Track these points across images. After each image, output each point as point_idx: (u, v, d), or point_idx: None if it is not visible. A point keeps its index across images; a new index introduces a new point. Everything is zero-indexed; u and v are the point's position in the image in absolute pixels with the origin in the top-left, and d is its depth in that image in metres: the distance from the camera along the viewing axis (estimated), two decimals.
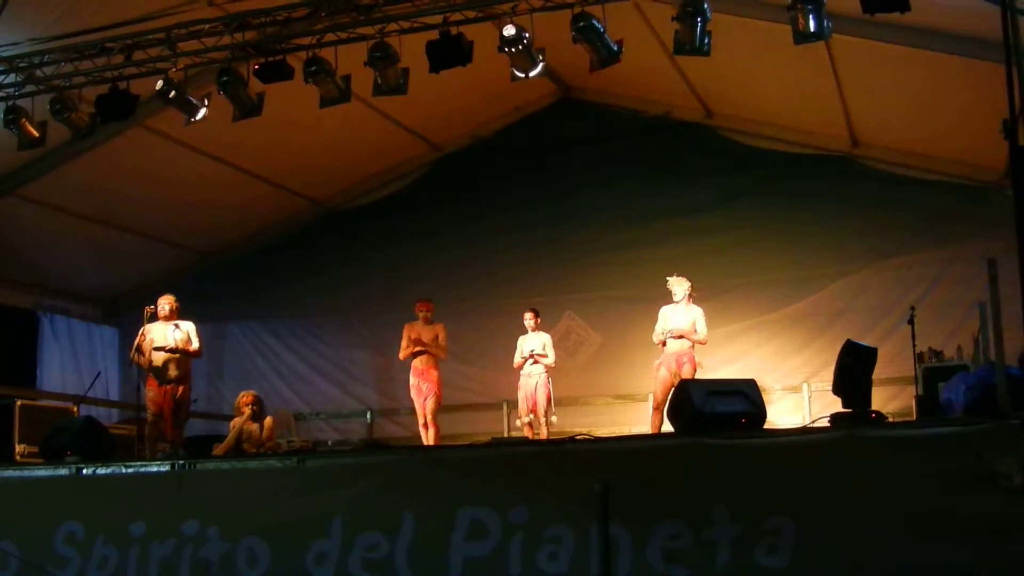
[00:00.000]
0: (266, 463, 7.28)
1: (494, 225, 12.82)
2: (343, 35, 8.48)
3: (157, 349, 9.81)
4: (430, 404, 10.65)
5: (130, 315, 12.36)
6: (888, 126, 11.31)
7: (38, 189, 11.40)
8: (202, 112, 9.01)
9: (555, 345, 10.97)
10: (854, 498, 5.58)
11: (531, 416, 10.54)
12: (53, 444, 8.30)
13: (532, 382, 10.60)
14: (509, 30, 7.92)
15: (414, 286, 11.83)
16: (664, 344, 10.00)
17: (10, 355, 12.54)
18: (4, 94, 9.18)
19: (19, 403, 10.53)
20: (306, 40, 8.59)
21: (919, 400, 8.90)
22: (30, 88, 9.20)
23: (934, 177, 11.29)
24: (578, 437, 7.07)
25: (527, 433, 10.43)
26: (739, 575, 5.64)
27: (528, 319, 10.75)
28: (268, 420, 9.80)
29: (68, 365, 13.33)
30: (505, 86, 8.81)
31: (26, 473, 7.94)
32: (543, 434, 10.41)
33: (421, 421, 10.73)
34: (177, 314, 10.04)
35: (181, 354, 9.91)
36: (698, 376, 9.83)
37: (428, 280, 12.29)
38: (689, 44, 7.79)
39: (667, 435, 7.35)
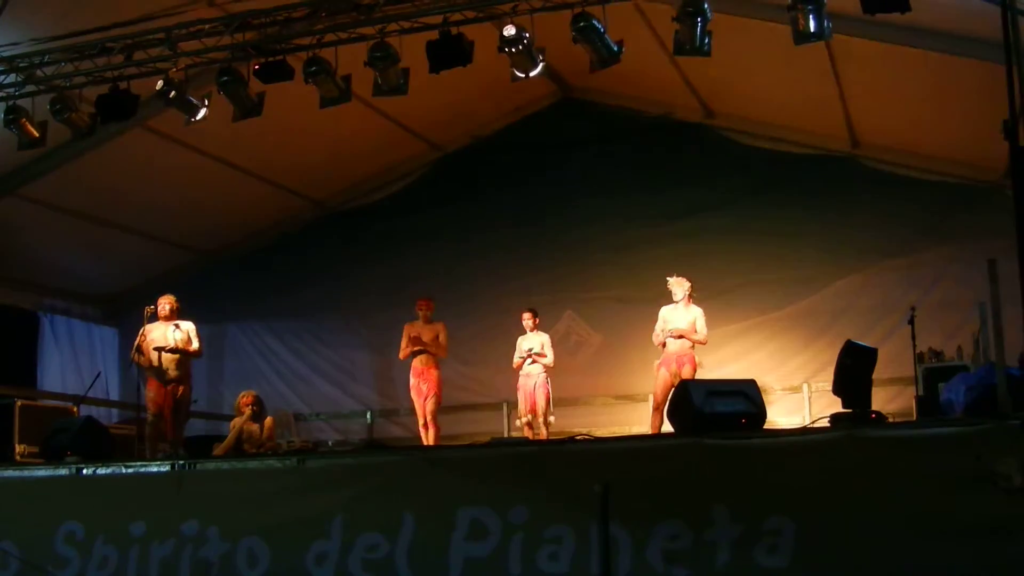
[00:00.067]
0: (266, 463, 7.28)
1: (494, 225, 12.82)
2: (343, 35, 8.47)
3: (157, 349, 9.82)
4: (430, 404, 10.66)
5: (130, 315, 12.35)
6: (888, 126, 11.31)
7: (38, 189, 11.40)
8: (202, 112, 9.01)
9: (555, 345, 10.97)
10: (854, 498, 5.59)
11: (530, 416, 10.55)
12: (53, 444, 8.30)
13: (531, 382, 10.61)
14: (509, 30, 7.92)
15: (414, 286, 11.82)
16: (664, 344, 10.00)
17: (10, 355, 12.54)
18: (4, 94, 9.18)
19: (19, 403, 10.53)
20: (306, 40, 8.58)
21: (919, 400, 8.91)
22: (30, 88, 9.19)
23: (934, 177, 11.30)
24: (578, 437, 7.08)
25: (527, 433, 10.43)
26: (739, 575, 5.64)
27: (526, 319, 10.75)
28: (268, 420, 9.79)
29: (68, 365, 13.33)
30: (505, 86, 8.81)
31: (26, 473, 7.95)
32: (542, 434, 10.41)
33: (421, 421, 10.73)
34: (177, 314, 10.05)
35: (181, 354, 9.92)
36: (698, 376, 9.84)
37: (428, 280, 12.28)
38: (689, 44, 7.79)
39: (667, 435, 7.35)
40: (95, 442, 8.26)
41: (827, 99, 10.76)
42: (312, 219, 13.95)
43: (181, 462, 7.42)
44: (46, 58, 9.01)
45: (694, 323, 9.97)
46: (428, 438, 10.68)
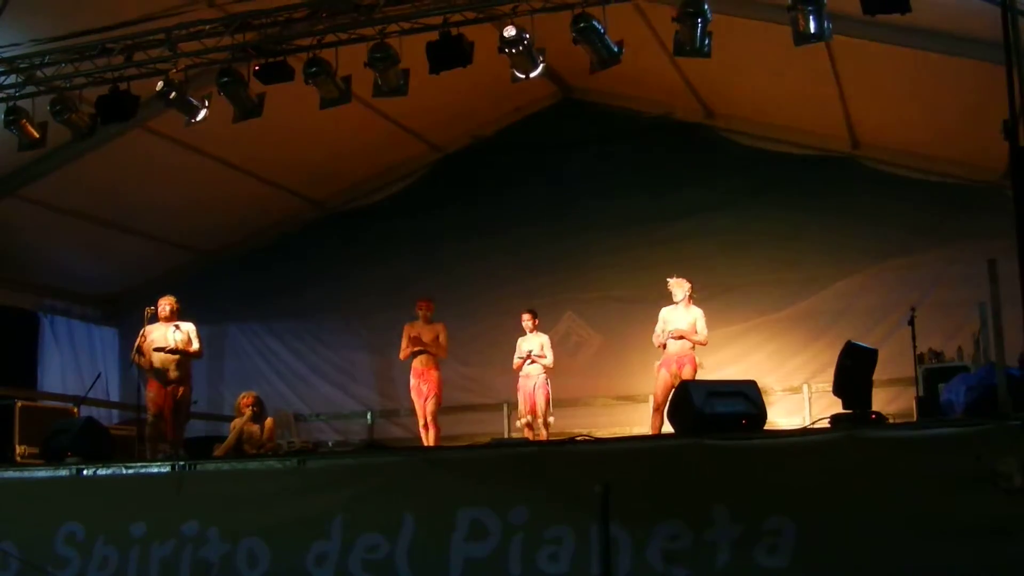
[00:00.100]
0: (266, 464, 7.28)
1: (494, 226, 12.81)
2: (343, 36, 8.48)
3: (157, 350, 9.82)
4: (430, 405, 10.65)
5: (130, 316, 12.35)
6: (888, 127, 11.31)
7: (39, 190, 11.40)
8: (202, 113, 9.01)
9: (555, 346, 10.97)
10: (854, 499, 5.59)
11: (530, 417, 10.55)
12: (53, 445, 8.31)
13: (530, 383, 10.61)
14: (509, 31, 7.92)
15: (414, 287, 11.82)
16: (664, 345, 10.01)
17: (11, 356, 12.54)
18: (5, 95, 9.18)
19: (19, 404, 10.53)
20: (306, 41, 8.58)
21: (919, 401, 8.90)
22: (31, 89, 9.19)
23: (934, 178, 11.30)
24: (578, 438, 7.08)
25: (527, 434, 10.44)
26: (739, 575, 5.64)
27: (526, 320, 10.76)
28: (268, 421, 9.79)
29: (68, 366, 13.33)
30: (505, 87, 8.81)
31: (26, 474, 7.96)
32: (542, 435, 10.41)
33: (421, 422, 10.73)
34: (177, 315, 10.04)
35: (181, 355, 9.92)
36: (698, 377, 9.84)
37: (428, 280, 12.28)
38: (689, 45, 7.79)
39: (667, 436, 7.36)
40: (95, 443, 8.27)
41: (827, 100, 10.76)
42: (312, 219, 13.95)
43: (181, 463, 7.42)
44: (46, 59, 9.01)
45: (694, 324, 9.97)
46: (428, 439, 10.68)
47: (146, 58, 8.84)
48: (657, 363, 10.09)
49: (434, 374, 10.70)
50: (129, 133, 10.46)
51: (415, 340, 10.69)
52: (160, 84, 8.76)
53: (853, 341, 7.49)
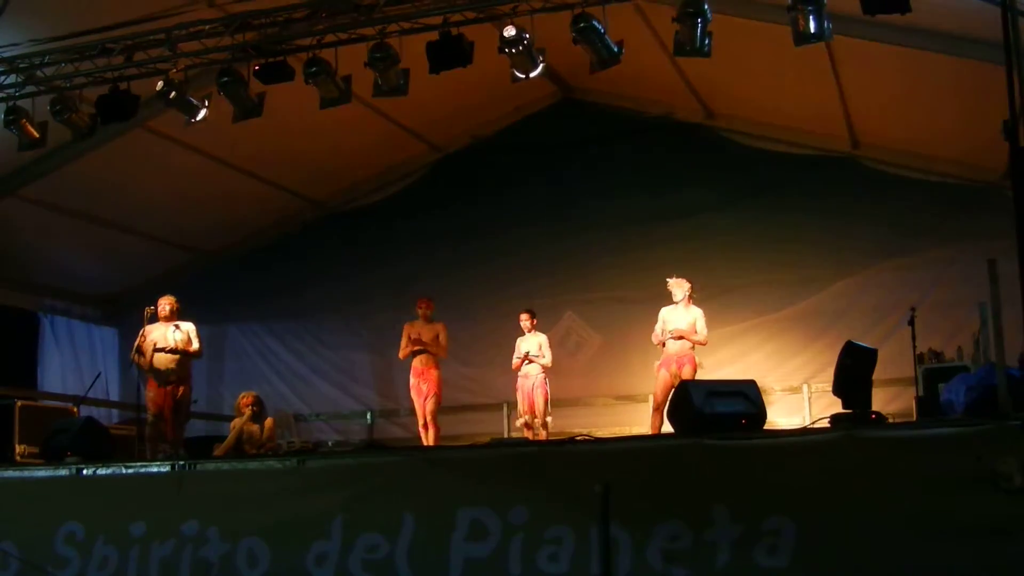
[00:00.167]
0: (266, 464, 7.28)
1: (494, 226, 12.81)
2: (343, 36, 8.48)
3: (157, 350, 9.82)
4: (430, 404, 10.65)
5: (130, 316, 12.33)
6: (889, 127, 11.31)
7: (39, 190, 11.40)
8: (202, 113, 9.01)
9: (555, 346, 10.97)
10: (854, 499, 5.59)
11: (528, 416, 10.56)
12: (53, 445, 8.31)
13: (529, 383, 10.63)
14: (509, 31, 7.92)
15: (414, 287, 11.82)
16: (664, 345, 10.01)
17: (11, 355, 12.54)
18: (4, 95, 9.18)
19: (19, 403, 10.53)
20: (306, 41, 8.58)
21: (919, 401, 8.90)
22: (31, 89, 9.19)
23: (934, 178, 11.30)
24: (578, 438, 7.08)
25: (526, 434, 10.44)
26: (739, 575, 5.64)
27: (524, 320, 10.77)
28: (268, 421, 9.80)
29: (68, 366, 13.33)
30: (505, 86, 8.80)
31: (26, 474, 7.96)
32: (541, 435, 10.41)
33: (421, 422, 10.73)
34: (177, 315, 10.04)
35: (181, 355, 9.92)
36: (698, 377, 9.84)
37: (428, 280, 12.28)
38: (689, 45, 7.79)
39: (667, 436, 7.36)
40: (95, 443, 8.28)
41: (827, 100, 10.76)
42: (312, 219, 13.95)
43: (181, 463, 7.42)
44: (46, 59, 9.01)
45: (694, 324, 9.97)
46: (428, 438, 10.68)
47: (146, 58, 8.84)
48: (657, 363, 10.09)
49: (434, 373, 10.70)
50: (129, 133, 10.47)
51: (415, 339, 10.69)
52: (160, 84, 8.76)
53: (853, 341, 7.49)
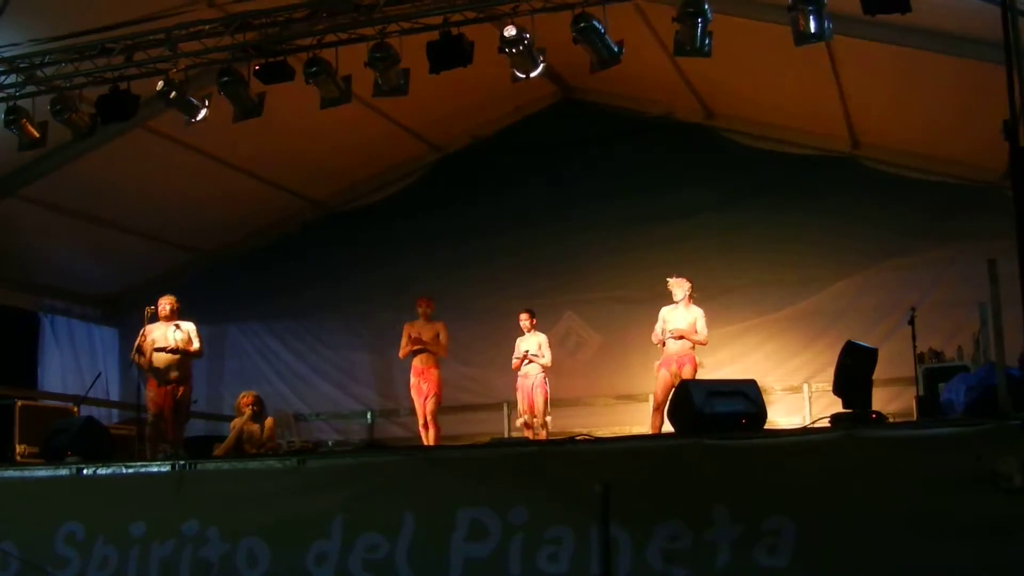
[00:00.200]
0: (266, 463, 7.28)
1: (494, 225, 12.81)
2: (343, 36, 8.47)
3: (158, 350, 9.82)
4: (430, 404, 10.65)
5: (130, 316, 12.33)
6: (888, 127, 11.31)
7: (39, 190, 11.40)
8: (202, 113, 9.00)
9: (555, 346, 10.97)
10: (854, 499, 5.59)
11: (527, 416, 10.56)
12: (53, 444, 8.31)
13: (529, 383, 10.63)
14: (510, 31, 7.92)
15: (414, 286, 11.82)
16: (664, 345, 10.01)
17: (11, 355, 12.54)
18: (5, 95, 9.18)
19: (19, 403, 10.53)
20: (306, 41, 8.58)
21: (919, 401, 8.91)
22: (31, 89, 9.19)
23: (934, 178, 11.30)
24: (578, 437, 7.08)
25: (526, 434, 10.44)
26: (739, 575, 5.64)
27: (523, 320, 10.78)
28: (268, 421, 9.80)
29: (69, 365, 13.33)
30: (505, 86, 8.80)
31: (26, 473, 7.95)
32: (541, 435, 10.42)
33: (421, 421, 10.73)
34: (177, 314, 10.05)
35: (181, 354, 9.92)
36: (698, 376, 9.84)
37: (428, 280, 12.27)
38: (690, 45, 7.79)
39: (667, 435, 7.36)
40: (95, 442, 8.28)
41: (827, 100, 10.76)
42: (312, 219, 13.95)
43: (181, 462, 7.42)
44: (46, 59, 9.01)
45: (694, 324, 9.97)
46: (428, 438, 10.68)
47: (146, 58, 8.84)
48: (657, 363, 10.09)
49: (434, 373, 10.70)
50: (129, 133, 10.47)
51: (415, 338, 10.69)
52: (160, 84, 8.76)
53: (853, 341, 7.49)
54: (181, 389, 9.94)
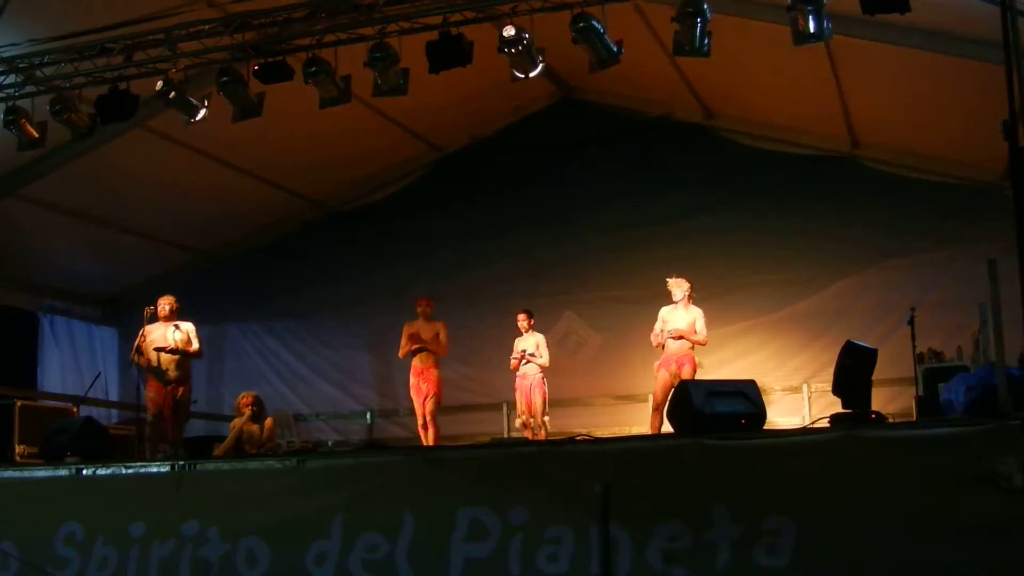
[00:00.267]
0: (266, 464, 7.28)
1: (494, 225, 12.81)
2: (343, 36, 8.47)
3: (157, 350, 9.82)
4: (430, 404, 10.65)
5: (130, 316, 12.36)
6: (888, 127, 11.31)
7: (38, 190, 11.40)
8: (202, 113, 9.00)
9: (555, 346, 10.98)
10: (854, 499, 5.59)
11: (526, 416, 10.57)
12: (53, 445, 8.30)
13: (527, 383, 10.65)
14: (509, 31, 7.91)
15: (414, 287, 11.82)
16: (663, 345, 10.00)
17: (10, 355, 12.54)
18: (4, 95, 9.17)
19: (19, 403, 10.52)
20: (306, 41, 8.58)
21: (919, 401, 8.91)
22: (30, 89, 9.19)
23: (934, 178, 11.29)
24: (578, 438, 7.07)
25: (525, 434, 10.45)
26: (739, 575, 5.64)
27: (521, 320, 10.80)
28: (268, 421, 9.81)
29: (68, 366, 13.33)
30: (505, 86, 8.81)
31: (26, 474, 7.95)
32: (540, 435, 10.42)
33: (420, 421, 10.73)
34: (177, 315, 10.05)
35: (181, 355, 9.92)
36: (698, 377, 9.84)
37: (428, 280, 12.27)
38: (689, 45, 7.78)
39: (667, 436, 7.35)
40: (95, 443, 8.27)
41: (827, 100, 10.76)
42: (312, 219, 13.95)
43: (181, 463, 7.42)
44: (46, 59, 9.00)
45: (694, 324, 9.97)
46: (428, 438, 10.67)
47: (146, 58, 8.84)
48: (656, 363, 10.08)
49: (434, 373, 10.70)
50: (129, 133, 10.46)
51: (414, 337, 10.69)
52: (160, 84, 8.75)
53: (853, 341, 7.49)
54: (181, 389, 9.94)
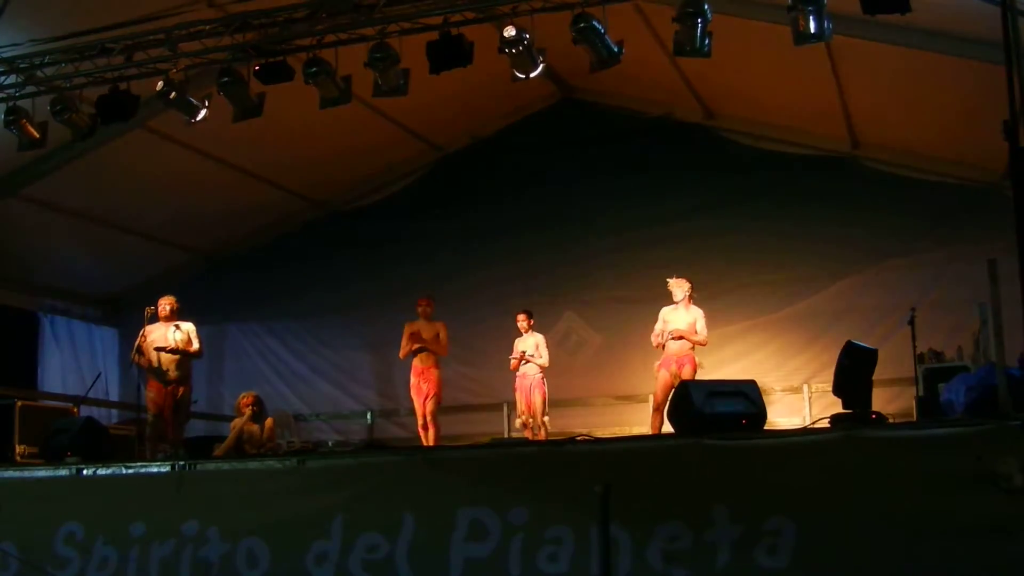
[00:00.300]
0: (266, 464, 7.28)
1: (494, 226, 12.82)
2: (343, 36, 8.48)
3: (158, 350, 9.82)
4: (430, 404, 10.65)
5: (130, 316, 12.36)
6: (888, 127, 11.31)
7: (39, 190, 11.41)
8: (202, 113, 9.00)
9: (555, 346, 10.98)
10: (854, 499, 5.59)
11: (525, 416, 10.57)
12: (53, 445, 8.31)
13: (527, 383, 10.65)
14: (509, 31, 7.91)
15: (414, 287, 11.81)
16: (663, 345, 10.01)
17: (11, 356, 12.55)
18: (5, 95, 9.18)
19: (19, 404, 10.50)
20: (306, 41, 8.59)
21: (920, 401, 8.90)
22: (31, 89, 9.19)
23: (934, 178, 11.30)
24: (578, 438, 7.08)
25: (526, 434, 10.45)
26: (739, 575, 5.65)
27: (521, 321, 10.81)
28: (268, 421, 9.81)
29: (69, 366, 13.34)
30: (505, 86, 8.81)
31: (26, 474, 7.95)
32: (540, 435, 10.42)
33: (420, 422, 10.73)
34: (177, 315, 10.05)
35: (181, 355, 9.92)
36: (698, 377, 9.84)
37: (428, 280, 12.27)
38: (689, 45, 7.78)
39: (667, 436, 7.36)
40: (95, 443, 8.28)
41: (827, 100, 10.76)
42: (312, 219, 13.95)
43: (181, 463, 7.42)
44: (46, 59, 9.01)
45: (694, 324, 9.97)
46: (428, 438, 10.67)
47: (146, 58, 8.84)
48: (657, 363, 10.08)
49: (434, 373, 10.70)
50: (129, 133, 10.46)
51: (415, 337, 10.69)
52: (160, 84, 8.76)
53: (853, 341, 7.49)
54: (181, 389, 9.94)
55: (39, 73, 9.10)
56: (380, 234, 13.41)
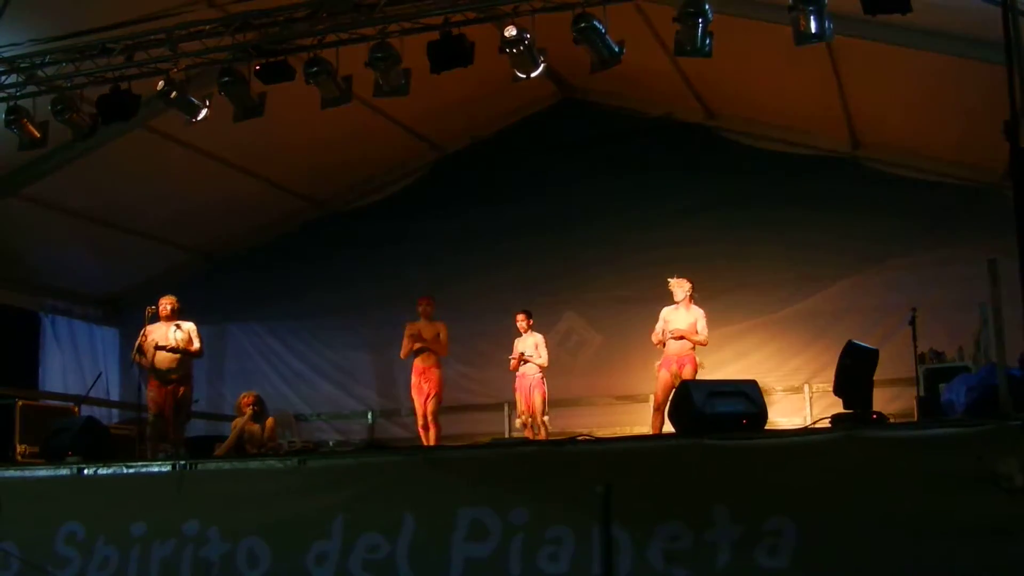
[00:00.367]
0: (267, 463, 7.29)
1: (494, 226, 12.81)
2: (344, 36, 8.48)
3: (158, 349, 9.83)
4: (431, 404, 10.65)
5: (131, 316, 12.36)
6: (889, 127, 11.31)
7: (40, 189, 11.40)
8: (203, 112, 9.00)
9: (556, 346, 10.98)
10: (855, 499, 5.59)
11: (525, 416, 10.57)
12: (54, 444, 8.31)
13: (526, 383, 10.66)
14: (510, 31, 7.91)
15: (415, 287, 11.82)
16: (664, 345, 10.01)
17: (12, 355, 12.54)
18: (6, 94, 9.18)
19: (20, 403, 10.53)
20: (307, 41, 8.59)
21: (920, 401, 8.91)
22: (32, 88, 9.19)
23: (935, 178, 11.30)
24: (579, 438, 7.08)
25: (526, 434, 10.45)
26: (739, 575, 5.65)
27: (520, 321, 10.82)
28: (269, 421, 9.80)
29: (69, 365, 13.34)
30: (506, 86, 8.82)
31: (27, 473, 7.96)
32: (540, 434, 10.42)
33: (421, 422, 10.73)
34: (178, 314, 10.06)
35: (182, 354, 9.93)
36: (699, 377, 9.84)
37: (429, 280, 12.28)
38: (690, 45, 7.78)
39: (668, 436, 7.37)
40: (96, 442, 8.28)
41: (828, 100, 10.75)
42: (312, 219, 13.95)
43: (182, 462, 7.43)
44: (47, 59, 9.01)
45: (695, 324, 9.97)
46: (428, 438, 10.68)
47: (147, 58, 8.84)
48: (657, 363, 10.09)
49: (435, 373, 10.70)
50: (130, 133, 10.45)
51: (415, 337, 10.69)
52: (161, 84, 8.76)
53: (854, 341, 7.49)
54: (182, 389, 9.95)
55: (40, 73, 9.10)
56: (380, 234, 13.40)
